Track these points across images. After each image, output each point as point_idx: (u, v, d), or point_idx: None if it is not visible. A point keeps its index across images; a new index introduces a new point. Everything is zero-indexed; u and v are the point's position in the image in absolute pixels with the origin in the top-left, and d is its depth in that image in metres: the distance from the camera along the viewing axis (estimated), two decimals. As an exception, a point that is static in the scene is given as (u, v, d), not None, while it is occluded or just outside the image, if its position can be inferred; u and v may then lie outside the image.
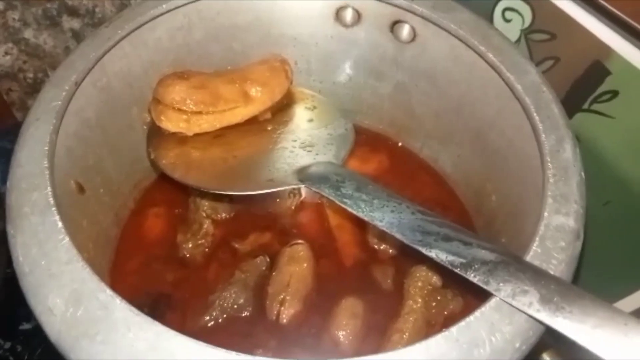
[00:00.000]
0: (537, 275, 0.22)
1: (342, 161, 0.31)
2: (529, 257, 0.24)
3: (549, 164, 0.27)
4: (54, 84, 0.29)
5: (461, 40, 0.33)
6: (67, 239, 0.23)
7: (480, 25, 0.33)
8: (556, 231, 0.24)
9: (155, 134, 0.32)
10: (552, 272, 0.23)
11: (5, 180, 0.50)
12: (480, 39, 0.31)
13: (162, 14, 0.33)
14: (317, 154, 0.32)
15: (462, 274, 0.24)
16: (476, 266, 0.24)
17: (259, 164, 0.31)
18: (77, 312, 0.21)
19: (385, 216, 0.27)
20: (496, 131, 0.35)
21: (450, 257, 0.25)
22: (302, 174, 0.30)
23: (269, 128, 0.33)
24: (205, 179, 0.31)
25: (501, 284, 0.22)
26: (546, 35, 0.39)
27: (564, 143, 0.27)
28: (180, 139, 0.32)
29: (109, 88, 0.34)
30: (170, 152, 0.31)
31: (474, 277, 0.24)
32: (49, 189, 0.25)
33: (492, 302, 0.22)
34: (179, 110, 0.29)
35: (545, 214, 0.25)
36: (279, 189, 0.30)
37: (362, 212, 0.27)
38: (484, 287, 0.23)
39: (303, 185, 0.29)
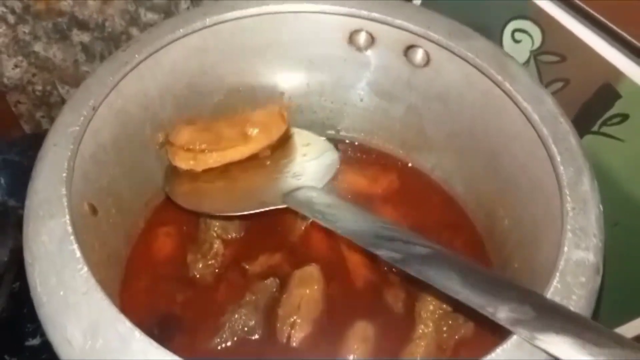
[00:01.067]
0: (558, 314, 0.22)
1: (323, 184, 0.36)
2: (549, 293, 0.24)
3: (568, 197, 0.27)
4: (71, 109, 0.29)
5: (476, 68, 0.33)
6: (85, 268, 0.23)
7: (497, 54, 0.33)
8: (576, 266, 0.24)
9: (171, 173, 0.38)
10: (572, 308, 0.23)
11: (12, 193, 0.51)
12: (496, 68, 0.32)
13: (179, 38, 0.33)
14: (304, 180, 0.37)
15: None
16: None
17: (254, 191, 0.37)
18: (95, 344, 0.21)
19: (348, 225, 0.31)
20: (509, 156, 0.35)
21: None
22: (287, 197, 0.35)
23: (268, 163, 0.38)
24: (210, 204, 0.36)
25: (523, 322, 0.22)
26: (556, 57, 0.39)
27: (582, 175, 0.27)
28: (192, 176, 0.36)
29: (124, 111, 0.34)
30: (183, 187, 0.37)
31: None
32: (67, 217, 0.25)
33: (514, 339, 0.22)
34: (188, 150, 0.35)
35: (565, 248, 0.25)
36: (265, 209, 0.34)
37: (329, 224, 0.32)
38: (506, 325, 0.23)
39: (286, 205, 0.34)
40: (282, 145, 0.39)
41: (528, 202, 0.34)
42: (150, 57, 0.32)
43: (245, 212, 0.35)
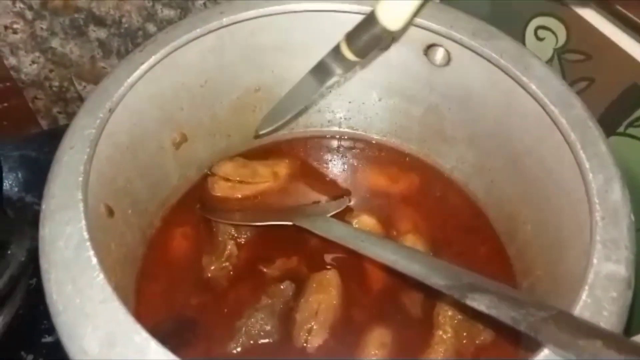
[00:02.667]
0: (591, 329, 0.21)
1: (329, 214, 0.39)
2: (578, 309, 0.23)
3: (597, 206, 0.25)
4: (88, 111, 0.28)
5: (500, 69, 0.32)
6: (101, 276, 0.23)
7: (522, 54, 0.31)
8: (607, 280, 0.23)
9: (206, 198, 0.41)
10: (603, 325, 0.22)
11: (28, 189, 0.51)
12: (522, 69, 0.30)
13: (196, 38, 0.32)
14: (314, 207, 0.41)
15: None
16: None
17: (272, 210, 0.41)
18: (111, 355, 0.21)
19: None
20: (535, 159, 0.34)
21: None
22: (295, 216, 0.38)
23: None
24: (232, 217, 0.40)
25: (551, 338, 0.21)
26: (581, 56, 0.38)
27: (613, 183, 0.26)
28: (223, 200, 0.41)
29: (141, 111, 0.33)
30: (216, 208, 0.41)
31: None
32: (83, 222, 0.24)
33: (542, 355, 0.21)
34: (227, 180, 0.41)
35: (595, 260, 0.24)
36: (274, 222, 0.38)
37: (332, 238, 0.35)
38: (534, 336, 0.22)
39: (292, 223, 0.37)
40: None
41: (553, 208, 0.33)
42: (167, 57, 0.31)
43: (258, 224, 0.39)
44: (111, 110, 0.29)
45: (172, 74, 0.34)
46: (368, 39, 0.29)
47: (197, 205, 0.41)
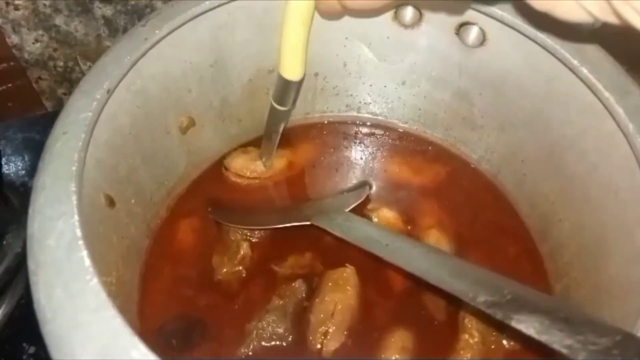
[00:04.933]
0: None
1: (348, 209, 0.36)
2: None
3: (658, 208, 0.22)
4: (84, 92, 0.25)
5: (545, 48, 0.28)
6: (95, 280, 0.20)
7: (572, 33, 0.28)
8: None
9: (217, 199, 0.39)
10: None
11: (32, 174, 0.49)
12: (571, 50, 0.27)
13: (204, 12, 0.29)
14: (329, 202, 0.39)
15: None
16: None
17: (288, 208, 0.40)
18: (106, 371, 0.18)
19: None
20: (576, 153, 0.31)
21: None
22: (313, 216, 0.36)
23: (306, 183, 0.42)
24: (245, 220, 0.38)
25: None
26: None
27: (676, 182, 0.23)
28: (236, 200, 0.39)
29: (144, 92, 0.31)
30: (228, 209, 0.39)
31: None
32: (76, 217, 0.22)
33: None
34: (239, 175, 0.40)
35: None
36: (290, 224, 0.35)
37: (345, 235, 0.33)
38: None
39: (310, 222, 0.35)
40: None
41: (596, 207, 0.30)
42: (172, 33, 0.29)
43: (270, 227, 0.37)
44: (110, 92, 0.26)
45: (179, 51, 0.31)
46: (284, 92, 0.34)
47: (208, 209, 0.39)
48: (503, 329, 0.32)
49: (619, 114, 0.25)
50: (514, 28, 0.29)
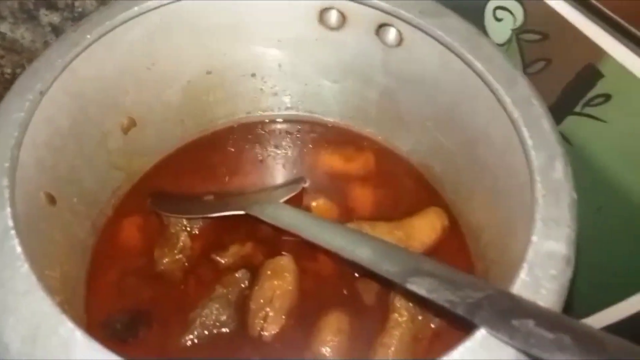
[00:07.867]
0: (526, 308, 0.21)
1: (282, 200, 0.39)
2: (517, 286, 0.22)
3: (539, 184, 0.25)
4: (16, 93, 0.27)
5: (449, 48, 0.31)
6: (26, 266, 0.22)
7: (471, 33, 0.31)
8: (546, 258, 0.23)
9: (156, 191, 0.41)
10: (541, 303, 0.22)
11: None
12: (469, 48, 0.30)
13: (135, 17, 0.31)
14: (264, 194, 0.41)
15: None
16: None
17: (224, 199, 0.41)
18: (34, 350, 0.20)
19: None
20: (486, 144, 0.34)
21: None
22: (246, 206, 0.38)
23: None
24: (183, 209, 0.39)
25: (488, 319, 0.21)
26: (538, 36, 0.38)
27: (555, 161, 0.26)
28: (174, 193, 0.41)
29: (81, 94, 0.32)
30: (166, 201, 0.40)
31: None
32: (8, 209, 0.23)
33: (479, 335, 0.21)
34: None
35: (534, 238, 0.24)
36: (225, 213, 0.37)
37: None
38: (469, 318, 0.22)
39: (244, 212, 0.37)
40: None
41: (503, 190, 0.32)
42: (103, 36, 0.30)
43: (208, 215, 0.38)
44: (42, 93, 0.27)
45: (114, 54, 0.33)
46: None
47: (147, 200, 0.40)
48: (430, 310, 0.34)
49: (507, 103, 0.28)
50: (420, 29, 0.32)
